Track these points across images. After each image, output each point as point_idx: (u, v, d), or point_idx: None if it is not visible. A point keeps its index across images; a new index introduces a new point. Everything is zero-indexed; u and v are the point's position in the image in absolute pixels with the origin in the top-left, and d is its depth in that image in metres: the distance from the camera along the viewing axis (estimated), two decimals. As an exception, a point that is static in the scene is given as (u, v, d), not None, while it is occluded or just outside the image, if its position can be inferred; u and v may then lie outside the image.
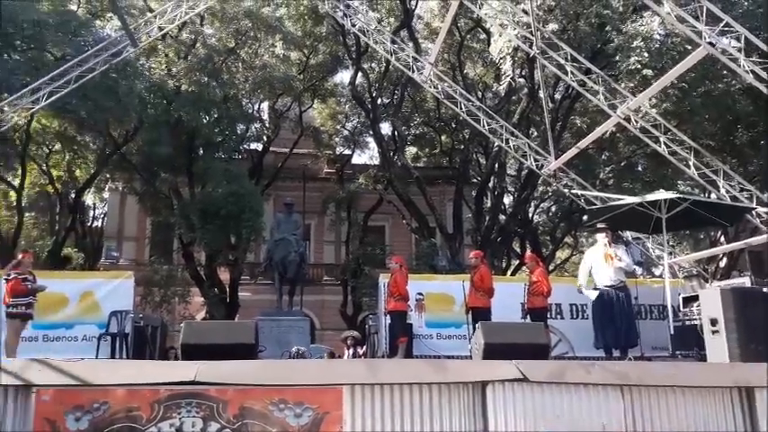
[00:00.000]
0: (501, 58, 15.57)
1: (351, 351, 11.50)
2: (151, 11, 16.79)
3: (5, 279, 8.30)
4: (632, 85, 13.93)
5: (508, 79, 16.45)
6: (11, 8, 14.38)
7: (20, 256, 8.79)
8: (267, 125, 23.45)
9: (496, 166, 21.09)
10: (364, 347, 11.42)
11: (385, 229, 28.15)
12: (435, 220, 20.84)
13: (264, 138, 23.36)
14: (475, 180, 24.51)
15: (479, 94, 21.32)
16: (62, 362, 5.71)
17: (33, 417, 5.16)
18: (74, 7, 18.22)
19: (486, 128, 12.78)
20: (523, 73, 18.39)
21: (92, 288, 9.87)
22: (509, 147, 13.08)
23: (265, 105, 23.57)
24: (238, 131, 21.08)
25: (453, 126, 23.02)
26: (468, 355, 9.21)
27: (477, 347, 6.12)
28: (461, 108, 12.79)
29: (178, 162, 18.87)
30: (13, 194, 22.56)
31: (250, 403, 5.33)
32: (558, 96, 19.79)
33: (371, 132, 22.92)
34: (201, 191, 18.91)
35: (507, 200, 24.83)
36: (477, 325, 6.47)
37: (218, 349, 5.83)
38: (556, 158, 12.55)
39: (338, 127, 25.18)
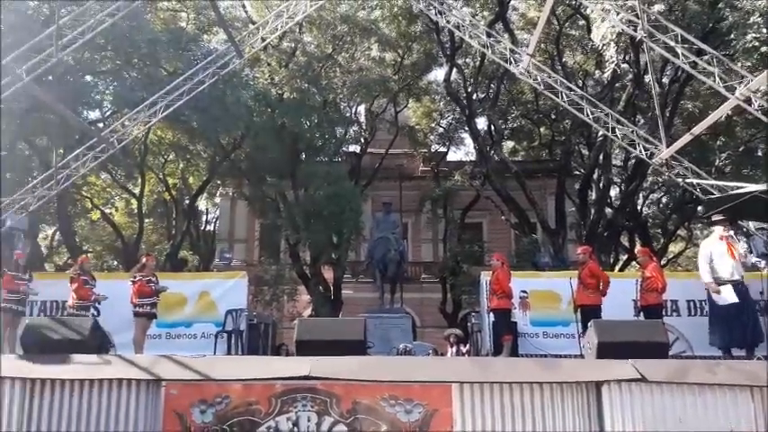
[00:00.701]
0: (604, 45, 14.88)
1: (453, 349, 11.45)
2: (253, 23, 17.61)
3: (132, 281, 8.98)
4: (749, 64, 12.90)
5: (613, 66, 15.69)
6: (127, 29, 15.59)
7: (144, 260, 9.41)
8: (364, 127, 23.89)
9: (601, 156, 20.22)
10: (467, 345, 11.35)
11: (483, 226, 27.79)
12: (536, 215, 20.30)
13: (362, 140, 23.83)
14: (578, 172, 23.65)
15: (580, 82, 20.54)
16: (187, 358, 6.13)
17: (163, 409, 5.58)
18: (183, 24, 19.47)
19: (590, 117, 12.27)
20: (627, 58, 17.51)
21: (208, 288, 10.45)
22: (615, 136, 12.46)
23: (362, 108, 24.02)
24: (337, 135, 21.63)
25: (553, 117, 22.37)
26: (578, 354, 8.94)
27: (590, 346, 5.91)
28: (562, 98, 12.36)
29: (283, 167, 19.64)
30: (134, 202, 24.52)
31: (362, 399, 5.47)
32: (665, 81, 18.68)
33: (467, 128, 22.73)
34: (305, 193, 19.58)
35: (613, 192, 23.77)
36: (589, 323, 6.24)
37: (329, 345, 6.01)
38: (667, 146, 11.81)
39: (433, 125, 25.19)
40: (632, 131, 12.52)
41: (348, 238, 19.49)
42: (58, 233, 23.82)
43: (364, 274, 20.25)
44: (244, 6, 21.21)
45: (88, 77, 18.27)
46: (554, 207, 21.46)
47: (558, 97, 12.45)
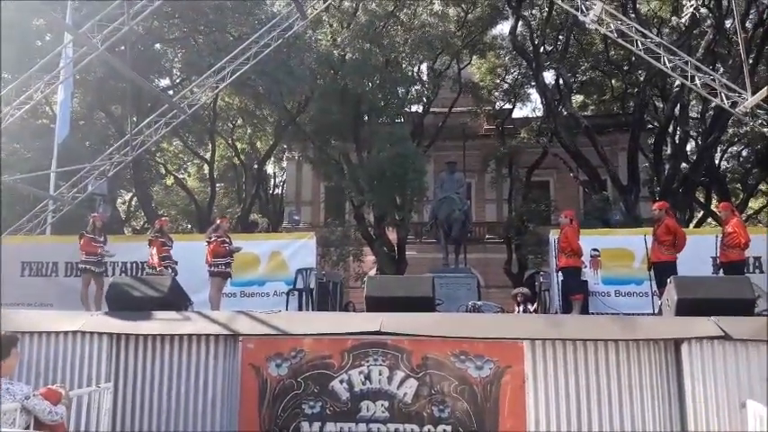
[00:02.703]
0: (681, -12, 13.95)
1: (521, 308, 11.36)
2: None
3: (207, 242, 9.30)
4: None
5: (691, 10, 14.68)
6: (194, -1, 15.85)
7: (218, 221, 9.72)
8: (426, 86, 23.53)
9: (677, 108, 19.18)
10: (534, 305, 11.22)
11: (550, 184, 27.10)
12: (607, 171, 19.60)
13: (424, 99, 23.50)
14: (651, 126, 22.58)
15: (655, 31, 19.40)
16: (263, 314, 6.35)
17: (240, 362, 5.82)
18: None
19: (668, 66, 11.59)
20: (707, 2, 16.37)
21: (279, 248, 10.72)
22: (694, 85, 11.75)
23: (424, 66, 23.63)
24: (400, 95, 21.42)
25: (625, 68, 21.34)
26: (652, 313, 8.68)
27: (669, 303, 5.71)
28: (637, 46, 11.71)
29: (346, 129, 19.71)
30: (205, 167, 25.34)
31: (432, 354, 5.53)
32: (749, 26, 17.38)
33: (534, 83, 22.01)
34: (368, 155, 19.61)
35: (690, 146, 22.60)
36: (668, 279, 6.00)
37: (398, 302, 6.08)
38: (753, 94, 11.04)
39: (498, 81, 24.57)
40: (713, 79, 11.75)
41: (411, 199, 19.49)
42: (135, 198, 24.99)
43: (428, 234, 20.25)
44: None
45: (158, 46, 18.78)
46: (626, 163, 20.62)
47: (632, 45, 11.80)
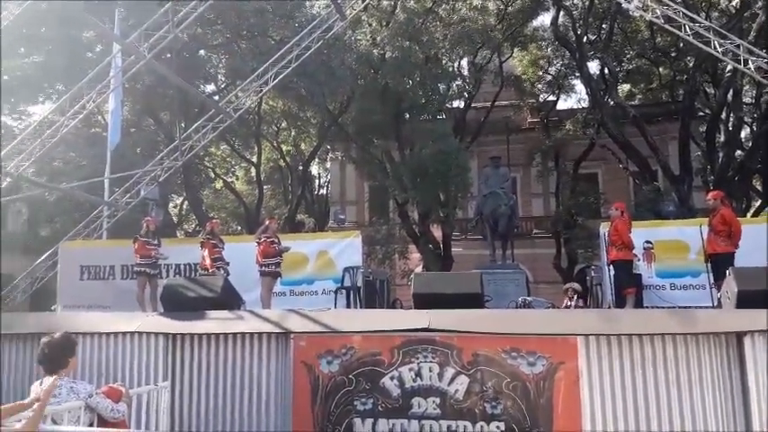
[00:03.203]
0: (732, -32, 13.40)
1: (572, 303, 11.14)
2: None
3: (257, 242, 9.46)
4: None
5: (741, -9, 14.11)
6: (233, 2, 16.12)
7: (267, 222, 9.87)
8: (468, 81, 23.33)
9: (730, 94, 18.45)
10: (586, 300, 10.98)
11: (598, 176, 26.49)
12: (658, 161, 19.00)
13: (465, 94, 23.31)
14: (703, 113, 21.80)
15: (704, 15, 18.71)
16: (313, 312, 6.42)
17: (292, 360, 5.90)
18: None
19: (719, 50, 11.15)
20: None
21: (326, 247, 10.85)
22: (748, 69, 11.27)
23: (465, 61, 23.41)
24: (440, 91, 21.30)
25: (673, 55, 20.65)
26: (710, 305, 8.39)
27: (729, 295, 5.50)
28: (685, 31, 11.30)
29: (388, 127, 19.72)
30: (252, 170, 25.82)
31: (482, 351, 5.48)
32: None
33: (578, 74, 21.54)
34: (410, 153, 19.59)
35: (744, 133, 21.70)
36: (728, 271, 5.78)
37: (446, 298, 6.05)
38: (812, 76, 10.51)
39: (540, 73, 24.15)
40: (767, 62, 11.24)
41: (455, 195, 19.36)
42: (186, 202, 25.65)
43: (473, 230, 20.08)
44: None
45: (202, 52, 19.22)
46: (677, 152, 19.96)
47: (680, 31, 11.40)
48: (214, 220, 11.10)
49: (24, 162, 10.92)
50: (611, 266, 9.18)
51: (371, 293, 9.90)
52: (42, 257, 12.64)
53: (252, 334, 6.05)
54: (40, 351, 3.95)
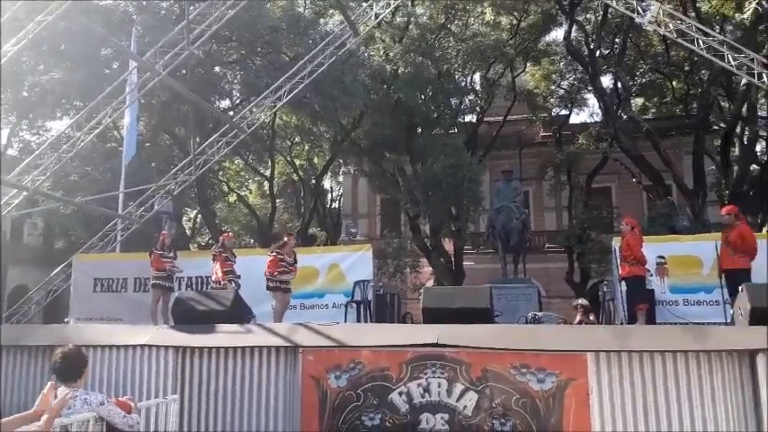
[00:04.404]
0: (745, -18, 13.37)
1: (583, 319, 11.04)
2: (366, 0, 17.76)
3: (269, 254, 9.37)
4: None
5: (754, 5, 14.05)
6: (249, 19, 16.35)
7: (285, 239, 9.62)
8: (480, 95, 23.40)
9: (745, 108, 18.31)
10: (594, 315, 10.86)
11: (611, 191, 26.33)
12: (672, 175, 18.87)
13: (478, 108, 23.37)
14: (717, 127, 21.64)
15: (717, 29, 18.65)
16: (322, 326, 6.42)
17: (301, 374, 5.89)
18: (300, 9, 20.09)
19: (733, 64, 11.10)
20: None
21: (337, 261, 10.83)
22: (762, 82, 11.20)
23: (477, 76, 23.52)
24: (453, 106, 21.38)
25: (687, 69, 20.54)
26: (724, 322, 8.28)
27: (742, 312, 5.43)
28: (698, 45, 11.27)
29: (400, 142, 19.82)
30: (266, 184, 26.01)
31: (491, 366, 5.44)
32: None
33: (591, 88, 21.51)
34: (423, 167, 19.62)
35: (759, 146, 21.51)
36: (741, 287, 5.71)
37: (456, 313, 6.03)
38: (828, 90, 10.42)
39: (553, 87, 24.13)
40: (784, 76, 11.15)
41: (467, 209, 19.32)
42: (199, 215, 25.85)
43: (485, 244, 19.98)
44: (358, -15, 21.48)
45: (217, 68, 19.47)
46: (691, 166, 19.81)
47: (693, 45, 11.37)
48: (226, 233, 11.14)
49: (41, 176, 11.07)
50: (623, 282, 9.09)
51: (382, 307, 9.88)
52: (56, 270, 12.77)
53: (261, 348, 6.06)
54: (55, 361, 3.97)
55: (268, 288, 9.23)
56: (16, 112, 18.66)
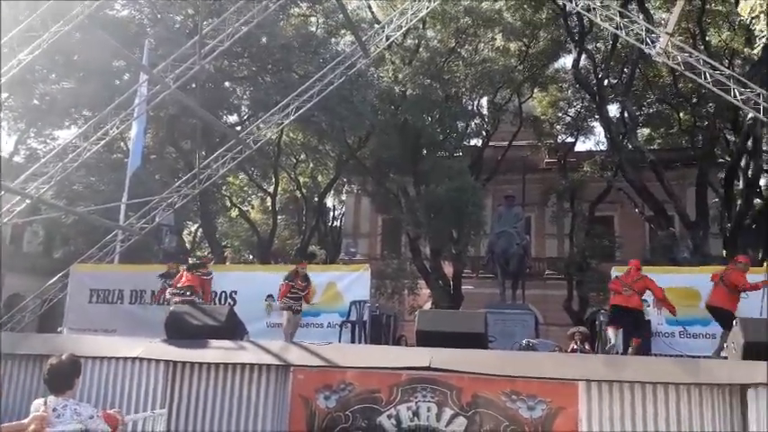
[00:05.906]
0: (752, 18, 13.44)
1: (578, 347, 10.95)
2: (378, 23, 17.97)
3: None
4: None
5: (764, 41, 14.13)
6: (262, 37, 16.54)
7: (297, 268, 9.46)
8: (486, 120, 23.53)
9: (750, 141, 18.33)
10: (592, 344, 10.78)
11: (614, 220, 26.27)
12: (674, 207, 18.83)
13: (484, 132, 23.49)
14: (722, 160, 21.64)
15: (726, 62, 18.77)
16: (314, 345, 6.40)
17: (290, 393, 5.86)
18: (313, 29, 20.33)
19: (739, 98, 11.14)
20: (782, 32, 15.68)
21: (334, 280, 10.78)
22: None
23: (484, 100, 23.66)
24: (459, 129, 21.50)
25: (694, 101, 20.61)
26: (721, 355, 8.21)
27: (735, 346, 5.40)
28: (706, 78, 11.33)
29: (405, 163, 19.88)
30: (268, 200, 26.07)
31: (482, 392, 5.41)
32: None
33: (597, 116, 21.58)
34: (426, 188, 19.67)
35: (763, 180, 21.46)
36: (735, 321, 5.69)
37: (450, 337, 6.00)
38: (832, 128, 10.45)
39: (560, 114, 24.24)
40: (788, 112, 11.18)
41: (468, 232, 19.32)
42: (200, 229, 25.89)
43: (485, 269, 19.93)
44: (370, 7, 21.75)
45: (227, 84, 19.65)
46: (694, 198, 19.79)
47: (700, 78, 11.43)
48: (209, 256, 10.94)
49: (44, 185, 11.13)
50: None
51: (377, 329, 9.85)
52: (53, 279, 12.77)
53: (252, 365, 6.04)
54: (47, 371, 3.95)
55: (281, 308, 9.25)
56: (26, 119, 18.84)
